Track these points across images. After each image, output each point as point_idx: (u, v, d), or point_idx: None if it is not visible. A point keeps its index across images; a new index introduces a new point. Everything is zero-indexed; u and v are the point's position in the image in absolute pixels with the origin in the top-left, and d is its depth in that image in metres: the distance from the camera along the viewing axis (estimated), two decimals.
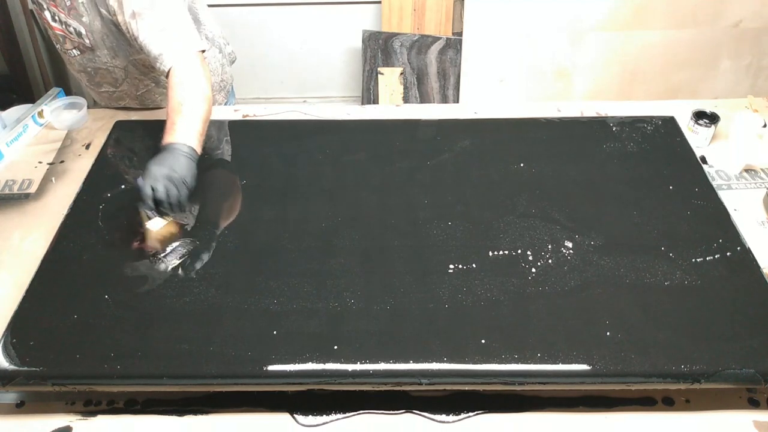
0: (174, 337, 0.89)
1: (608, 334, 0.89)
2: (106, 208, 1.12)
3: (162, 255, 1.02)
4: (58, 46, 1.38)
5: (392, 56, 2.54)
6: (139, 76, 1.41)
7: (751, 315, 0.91)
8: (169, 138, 1.08)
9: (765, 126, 1.32)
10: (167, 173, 1.02)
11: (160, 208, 1.03)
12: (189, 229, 1.07)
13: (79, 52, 1.34)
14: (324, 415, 0.91)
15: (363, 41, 2.54)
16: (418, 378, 0.86)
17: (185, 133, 1.09)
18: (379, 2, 2.50)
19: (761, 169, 1.32)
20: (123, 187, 1.16)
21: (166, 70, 1.16)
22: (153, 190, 1.01)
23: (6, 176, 1.33)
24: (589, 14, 2.34)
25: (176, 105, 1.11)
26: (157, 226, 1.03)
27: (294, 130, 1.32)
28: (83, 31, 1.28)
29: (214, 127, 1.32)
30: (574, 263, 1.00)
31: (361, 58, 2.60)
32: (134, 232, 1.06)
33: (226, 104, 1.67)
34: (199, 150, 1.10)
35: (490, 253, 1.01)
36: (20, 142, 1.40)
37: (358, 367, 0.86)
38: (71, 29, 1.28)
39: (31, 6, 2.56)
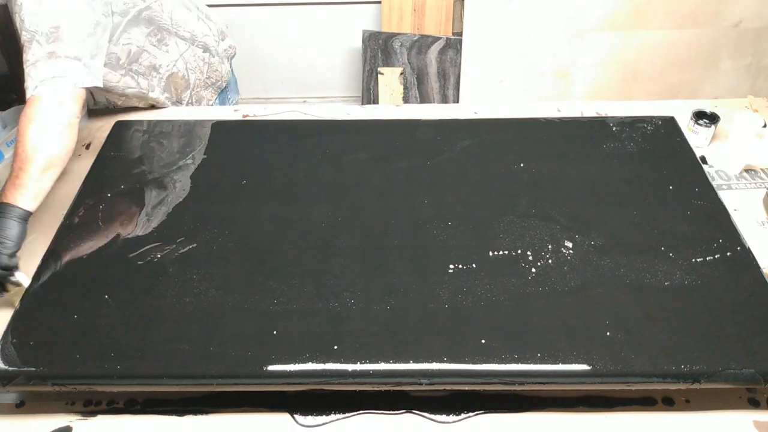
0: (174, 337, 0.89)
1: (608, 334, 0.89)
2: (106, 208, 1.12)
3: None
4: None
5: (392, 56, 2.54)
6: (197, 54, 1.46)
7: (751, 315, 0.91)
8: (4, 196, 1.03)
9: (765, 126, 1.32)
10: None
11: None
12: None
13: (150, 83, 1.42)
14: (324, 415, 0.91)
15: (363, 41, 2.54)
16: (418, 378, 0.86)
17: (17, 191, 1.02)
18: (379, 2, 2.50)
19: (761, 169, 1.32)
20: (123, 187, 1.16)
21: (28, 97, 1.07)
22: None
23: (6, 176, 1.32)
24: (589, 14, 2.34)
25: (18, 153, 1.04)
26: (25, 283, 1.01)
27: (294, 130, 1.32)
28: None
29: (213, 126, 1.32)
30: (574, 263, 1.00)
31: (361, 58, 2.60)
32: (135, 231, 1.07)
33: (229, 102, 1.67)
34: (31, 206, 1.03)
35: (490, 253, 1.01)
36: None
37: (358, 367, 0.86)
38: None
39: None
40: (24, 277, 1.02)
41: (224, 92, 1.65)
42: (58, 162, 1.07)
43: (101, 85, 1.20)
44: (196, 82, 1.53)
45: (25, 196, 1.03)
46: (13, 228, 1.01)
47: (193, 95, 1.54)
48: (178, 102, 1.52)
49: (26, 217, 1.03)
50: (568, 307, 0.93)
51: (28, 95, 1.07)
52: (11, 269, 1.01)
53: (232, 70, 1.71)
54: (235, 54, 1.65)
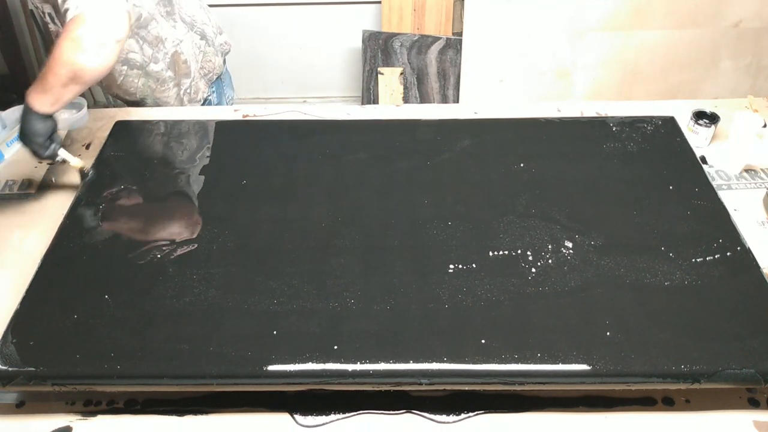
0: (174, 337, 0.89)
1: (608, 334, 0.89)
2: (106, 208, 1.12)
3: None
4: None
5: (392, 56, 2.54)
6: (194, 41, 1.46)
7: (751, 315, 0.91)
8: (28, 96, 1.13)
9: (765, 126, 1.32)
10: (28, 137, 1.13)
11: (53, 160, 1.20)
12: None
13: (152, 50, 1.41)
14: (324, 415, 0.91)
15: (363, 41, 2.54)
16: (418, 378, 0.86)
17: (38, 94, 1.11)
18: (379, 2, 2.50)
19: (761, 169, 1.32)
20: (123, 187, 1.16)
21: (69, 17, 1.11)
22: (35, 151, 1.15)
23: (6, 176, 1.33)
24: (589, 14, 2.34)
25: (49, 61, 1.10)
26: (75, 161, 1.23)
27: (294, 130, 1.32)
28: None
29: (213, 126, 1.32)
30: (574, 263, 1.00)
31: (361, 58, 2.60)
32: (135, 231, 1.07)
33: (225, 96, 1.69)
34: (49, 111, 1.13)
35: (490, 253, 1.02)
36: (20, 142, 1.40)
37: (358, 367, 0.86)
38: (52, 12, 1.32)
39: (31, 6, 2.56)
40: (69, 155, 1.22)
41: (219, 85, 1.66)
42: (85, 80, 1.11)
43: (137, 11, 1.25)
44: (195, 74, 1.53)
45: (45, 104, 1.11)
46: (37, 123, 1.12)
47: (192, 85, 1.54)
48: (177, 86, 1.51)
49: (47, 116, 1.13)
50: (568, 307, 0.93)
51: (69, 16, 1.09)
52: (53, 157, 1.18)
53: (226, 67, 1.71)
54: (229, 50, 1.66)
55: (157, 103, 1.52)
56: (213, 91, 1.63)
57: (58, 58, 1.07)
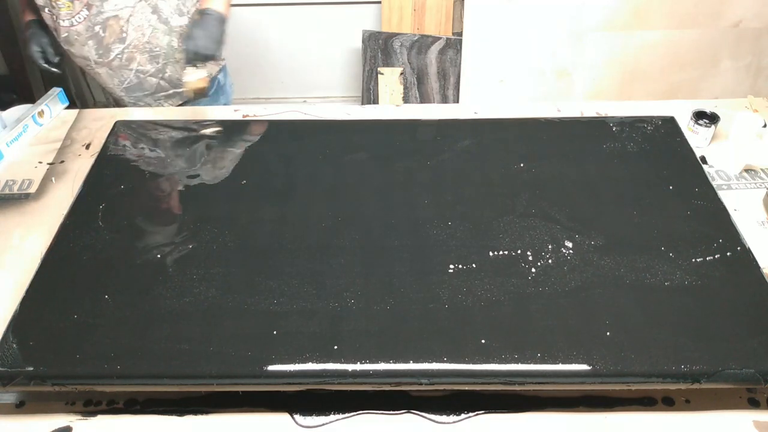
0: (174, 337, 0.89)
1: (608, 334, 0.89)
2: (106, 208, 1.12)
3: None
4: (61, 31, 1.45)
5: (392, 56, 2.54)
6: (145, 13, 1.48)
7: (751, 315, 0.91)
8: (204, 4, 1.45)
9: (765, 126, 1.32)
10: (204, 35, 1.40)
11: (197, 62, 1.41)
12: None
13: (87, 11, 1.43)
14: (324, 416, 0.91)
15: (363, 41, 2.54)
16: (418, 378, 0.86)
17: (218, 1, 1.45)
18: (379, 2, 2.50)
19: (761, 169, 1.32)
20: (123, 187, 1.16)
21: None
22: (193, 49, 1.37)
23: (6, 176, 1.33)
24: (589, 14, 2.34)
25: None
26: (194, 77, 1.42)
27: (294, 130, 1.32)
28: None
29: (213, 126, 1.32)
30: (574, 263, 1.00)
31: (361, 58, 2.60)
32: (135, 231, 1.07)
33: (228, 82, 1.74)
34: (228, 14, 1.48)
35: (490, 253, 1.02)
36: (20, 142, 1.40)
37: (358, 367, 0.86)
38: None
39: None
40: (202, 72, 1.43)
41: (216, 96, 1.68)
42: None
43: None
44: (134, 42, 1.50)
45: (222, 4, 1.47)
46: (222, 30, 1.47)
47: (126, 53, 1.51)
48: (103, 54, 1.50)
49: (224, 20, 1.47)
50: (568, 307, 0.93)
51: None
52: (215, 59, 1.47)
53: (226, 71, 1.71)
54: (190, 41, 1.62)
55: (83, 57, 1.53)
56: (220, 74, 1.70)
57: None
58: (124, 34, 1.46)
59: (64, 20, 1.42)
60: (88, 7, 1.41)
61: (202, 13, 1.44)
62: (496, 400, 0.92)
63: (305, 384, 0.87)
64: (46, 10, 1.44)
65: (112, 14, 1.43)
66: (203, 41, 1.41)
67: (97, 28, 1.43)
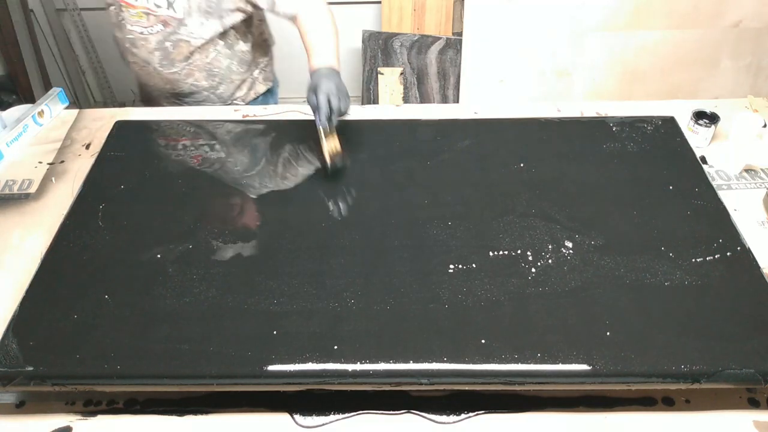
0: (174, 337, 0.89)
1: (608, 334, 0.89)
2: (106, 208, 1.12)
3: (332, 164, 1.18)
4: (126, 32, 1.44)
5: (392, 56, 2.54)
6: (215, 38, 1.47)
7: (751, 315, 0.91)
8: (320, 62, 1.28)
9: (765, 126, 1.32)
10: (336, 87, 1.20)
11: (330, 118, 1.19)
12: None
13: (162, 27, 1.41)
14: (324, 416, 0.91)
15: (363, 41, 2.54)
16: (418, 378, 0.86)
17: (332, 56, 1.30)
18: (379, 2, 2.50)
19: (761, 169, 1.32)
20: (123, 187, 1.16)
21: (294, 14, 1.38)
22: (329, 102, 1.17)
23: (6, 176, 1.33)
24: (589, 14, 2.34)
25: (321, 34, 1.35)
26: (333, 142, 1.19)
27: (295, 130, 1.32)
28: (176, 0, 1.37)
29: (213, 126, 1.32)
30: (574, 263, 1.00)
31: (361, 58, 2.60)
32: (135, 231, 1.07)
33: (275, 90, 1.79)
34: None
35: (490, 253, 1.02)
36: (20, 142, 1.41)
37: (358, 367, 0.86)
38: (161, 1, 1.36)
39: (31, 6, 2.56)
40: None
41: (265, 96, 1.73)
42: None
43: None
44: (197, 61, 1.50)
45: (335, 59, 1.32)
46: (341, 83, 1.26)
47: (186, 69, 1.50)
48: (166, 66, 1.49)
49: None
50: (568, 307, 0.93)
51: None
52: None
53: (275, 77, 1.81)
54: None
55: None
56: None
57: (336, 28, 1.36)
58: (191, 57, 1.48)
59: (133, 26, 1.42)
60: (165, 24, 1.40)
61: (325, 70, 1.26)
62: (496, 400, 0.92)
63: (305, 384, 0.87)
64: (112, 8, 1.45)
65: (185, 38, 1.43)
66: (345, 102, 1.22)
67: (167, 44, 1.44)
